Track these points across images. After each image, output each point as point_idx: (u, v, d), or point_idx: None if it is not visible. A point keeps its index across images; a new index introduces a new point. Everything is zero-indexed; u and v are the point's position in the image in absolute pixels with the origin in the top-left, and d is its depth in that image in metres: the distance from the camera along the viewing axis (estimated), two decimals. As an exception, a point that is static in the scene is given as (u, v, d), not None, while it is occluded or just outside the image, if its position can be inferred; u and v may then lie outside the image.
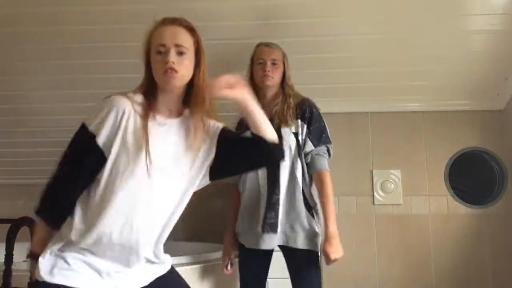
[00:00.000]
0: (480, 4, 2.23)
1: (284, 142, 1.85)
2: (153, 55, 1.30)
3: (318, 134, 1.93)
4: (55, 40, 2.35)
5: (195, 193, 1.38)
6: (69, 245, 1.25)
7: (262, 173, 1.90)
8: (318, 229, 1.89)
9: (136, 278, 1.35)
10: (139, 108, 1.29)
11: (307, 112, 1.92)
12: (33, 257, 1.26)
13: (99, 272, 1.27)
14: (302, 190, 1.89)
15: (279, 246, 1.90)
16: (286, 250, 1.90)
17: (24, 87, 2.64)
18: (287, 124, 1.89)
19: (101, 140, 1.24)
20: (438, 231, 2.73)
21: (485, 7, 2.23)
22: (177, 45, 1.28)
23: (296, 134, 1.91)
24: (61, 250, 1.25)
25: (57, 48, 2.40)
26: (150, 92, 1.32)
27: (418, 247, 2.73)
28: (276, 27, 2.29)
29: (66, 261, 1.24)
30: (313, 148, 1.91)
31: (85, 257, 1.26)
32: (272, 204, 1.86)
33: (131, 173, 1.24)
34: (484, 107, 2.81)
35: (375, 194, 2.77)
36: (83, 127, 1.26)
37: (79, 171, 1.24)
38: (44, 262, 1.23)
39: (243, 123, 1.89)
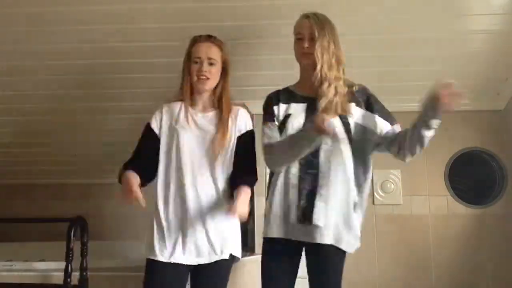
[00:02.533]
0: (480, 4, 2.23)
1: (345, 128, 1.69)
2: (191, 65, 1.72)
3: None
4: (54, 40, 2.35)
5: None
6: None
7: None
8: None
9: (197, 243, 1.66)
10: (178, 108, 1.78)
11: None
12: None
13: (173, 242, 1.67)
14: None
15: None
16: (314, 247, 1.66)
17: (25, 87, 2.65)
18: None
19: (154, 126, 1.77)
20: (438, 231, 2.74)
21: (485, 7, 2.23)
22: (209, 58, 1.70)
23: None
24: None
25: (56, 48, 2.40)
26: (186, 96, 1.75)
27: (418, 247, 2.73)
28: (276, 27, 2.29)
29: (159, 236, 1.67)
30: None
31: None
32: (308, 194, 1.65)
33: (178, 152, 1.70)
34: (484, 107, 2.81)
35: (375, 194, 2.77)
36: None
37: (141, 145, 1.78)
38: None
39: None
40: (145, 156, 1.73)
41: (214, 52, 1.71)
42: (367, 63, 2.49)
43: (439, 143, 2.80)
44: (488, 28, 2.33)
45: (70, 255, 1.98)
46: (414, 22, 2.30)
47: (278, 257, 1.71)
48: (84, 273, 2.05)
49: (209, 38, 1.74)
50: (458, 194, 2.79)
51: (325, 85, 1.69)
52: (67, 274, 1.95)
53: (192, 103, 1.77)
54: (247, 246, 2.79)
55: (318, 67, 1.69)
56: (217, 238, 1.69)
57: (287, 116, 1.74)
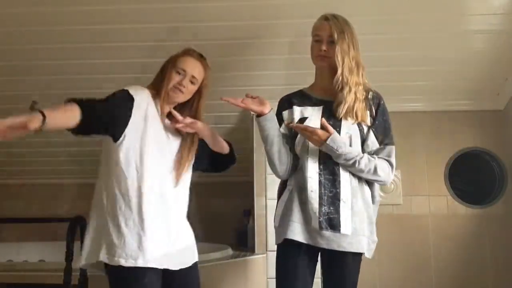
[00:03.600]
0: (480, 4, 2.23)
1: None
2: (173, 72, 1.66)
3: None
4: (54, 40, 2.35)
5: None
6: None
7: (311, 162, 1.66)
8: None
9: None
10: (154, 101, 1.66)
11: None
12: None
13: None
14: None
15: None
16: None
17: (25, 87, 2.65)
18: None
19: (138, 100, 1.60)
20: (438, 231, 2.74)
21: (485, 7, 2.23)
22: (193, 76, 1.66)
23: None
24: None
25: (55, 48, 2.40)
26: (164, 101, 1.67)
27: (418, 247, 2.73)
28: (278, 27, 2.30)
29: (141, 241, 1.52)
30: None
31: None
32: (330, 198, 1.63)
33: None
34: (484, 107, 2.81)
35: (375, 194, 2.77)
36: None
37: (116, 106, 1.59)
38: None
39: None
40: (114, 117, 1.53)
41: (199, 73, 1.68)
42: (367, 63, 2.48)
43: (439, 143, 2.81)
44: (488, 28, 2.33)
45: (70, 255, 1.98)
46: (414, 22, 2.30)
47: (297, 260, 1.66)
48: (84, 273, 2.05)
49: (201, 57, 1.71)
50: (458, 194, 2.79)
51: (346, 90, 1.65)
52: (67, 274, 1.96)
53: (162, 110, 1.68)
54: (247, 246, 2.79)
55: (339, 71, 1.64)
56: (192, 239, 1.68)
57: (302, 120, 1.69)
